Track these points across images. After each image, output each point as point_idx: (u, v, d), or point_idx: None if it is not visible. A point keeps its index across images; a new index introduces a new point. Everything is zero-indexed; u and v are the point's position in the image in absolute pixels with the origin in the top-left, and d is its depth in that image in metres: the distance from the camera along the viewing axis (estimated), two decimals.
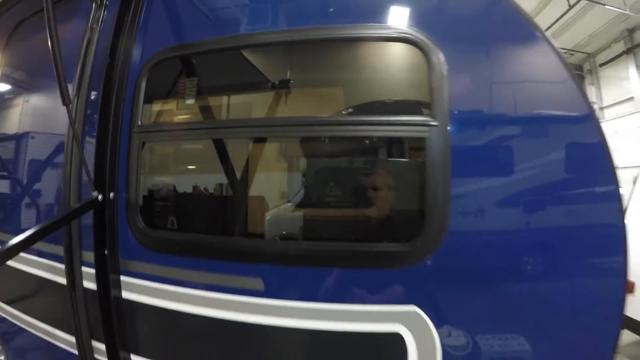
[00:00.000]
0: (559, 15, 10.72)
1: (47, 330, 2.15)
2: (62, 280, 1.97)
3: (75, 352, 1.98)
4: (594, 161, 1.58)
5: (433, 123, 1.53)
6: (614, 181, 1.56)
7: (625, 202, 4.61)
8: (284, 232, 2.00)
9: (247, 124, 1.95)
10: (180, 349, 1.80)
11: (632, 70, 12.13)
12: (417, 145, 1.66)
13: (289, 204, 2.20)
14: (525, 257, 1.56)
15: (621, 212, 1.56)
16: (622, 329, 3.90)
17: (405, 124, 1.62)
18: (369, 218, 1.80)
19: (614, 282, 1.57)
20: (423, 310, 1.51)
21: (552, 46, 1.63)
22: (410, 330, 1.52)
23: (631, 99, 12.23)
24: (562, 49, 12.28)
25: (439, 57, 1.58)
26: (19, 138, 2.44)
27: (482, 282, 1.56)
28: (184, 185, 2.43)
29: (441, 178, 1.51)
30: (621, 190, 1.59)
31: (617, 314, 1.58)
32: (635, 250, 4.04)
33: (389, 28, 1.69)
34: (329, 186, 1.92)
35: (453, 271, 1.55)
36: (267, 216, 2.20)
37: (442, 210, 1.50)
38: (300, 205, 2.10)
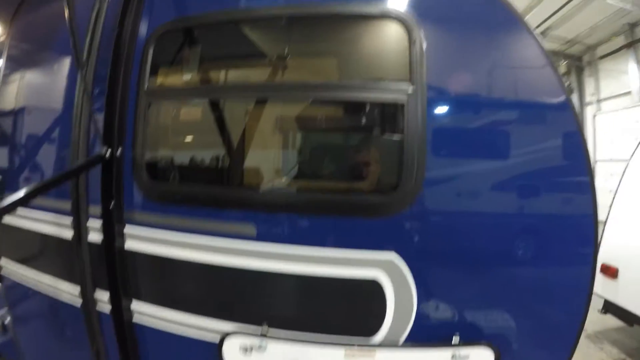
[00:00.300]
0: (561, 4, 10.86)
1: (52, 284, 2.37)
2: (68, 234, 2.19)
3: (78, 304, 2.22)
4: (568, 150, 1.76)
5: (411, 91, 1.75)
6: (587, 172, 1.75)
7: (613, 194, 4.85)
8: (277, 183, 2.24)
9: (238, 88, 2.19)
10: (178, 293, 2.05)
11: (632, 64, 12.33)
12: (395, 110, 1.88)
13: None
14: (494, 228, 1.80)
15: (593, 203, 1.74)
16: (601, 312, 4.10)
17: (387, 90, 1.84)
18: (354, 173, 2.04)
19: (582, 269, 1.79)
20: (401, 257, 1.75)
21: (532, 32, 1.81)
22: (388, 276, 1.76)
23: (629, 93, 12.46)
24: (563, 39, 12.42)
25: (420, 34, 1.79)
26: (32, 103, 2.64)
27: (454, 235, 1.80)
28: (186, 142, 2.66)
29: (418, 138, 1.73)
30: (595, 181, 1.75)
31: (583, 298, 1.80)
32: (620, 238, 4.31)
33: (375, 6, 1.90)
34: (317, 141, 2.16)
35: (428, 223, 1.79)
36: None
37: (419, 167, 1.73)
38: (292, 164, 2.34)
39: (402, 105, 1.75)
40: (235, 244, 1.88)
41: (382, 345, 1.80)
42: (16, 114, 2.69)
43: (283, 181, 2.20)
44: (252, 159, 2.52)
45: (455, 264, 1.82)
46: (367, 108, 2.03)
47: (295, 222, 1.88)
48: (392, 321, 1.79)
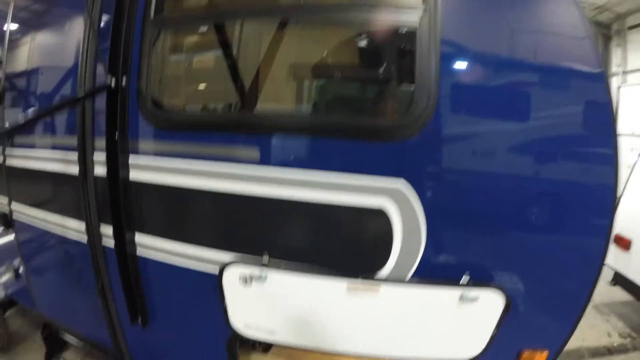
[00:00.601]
0: None
1: (61, 222, 2.41)
2: (75, 170, 2.19)
3: (84, 239, 2.24)
4: (597, 122, 1.67)
5: (423, 11, 1.65)
6: (612, 145, 1.66)
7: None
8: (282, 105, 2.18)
9: (246, 11, 2.09)
10: (180, 223, 2.04)
11: None
12: (407, 32, 1.76)
13: None
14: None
15: (615, 176, 1.66)
16: (611, 284, 4.05)
17: (399, 10, 1.74)
18: (363, 93, 1.97)
19: (596, 239, 1.73)
20: (410, 186, 1.68)
21: None
22: (396, 205, 1.70)
23: None
24: (592, 4, 11.87)
25: None
26: (40, 37, 2.62)
27: (467, 167, 1.72)
28: (191, 69, 2.61)
29: (430, 60, 1.64)
30: (620, 155, 1.66)
31: (595, 268, 1.76)
32: (636, 210, 4.19)
33: None
34: (326, 61, 2.08)
35: (440, 151, 1.71)
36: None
37: (431, 89, 1.63)
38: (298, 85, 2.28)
39: (415, 26, 1.66)
40: (238, 169, 1.84)
41: (387, 280, 1.77)
42: (30, 42, 2.67)
43: (288, 103, 2.14)
44: (258, 82, 2.44)
45: (468, 199, 1.75)
46: (379, 29, 1.92)
47: (300, 145, 1.83)
48: (399, 255, 1.74)
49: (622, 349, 3.75)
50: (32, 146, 2.48)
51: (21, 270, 2.96)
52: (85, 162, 2.14)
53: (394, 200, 1.70)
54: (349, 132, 1.77)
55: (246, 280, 1.82)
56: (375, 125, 1.79)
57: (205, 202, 1.95)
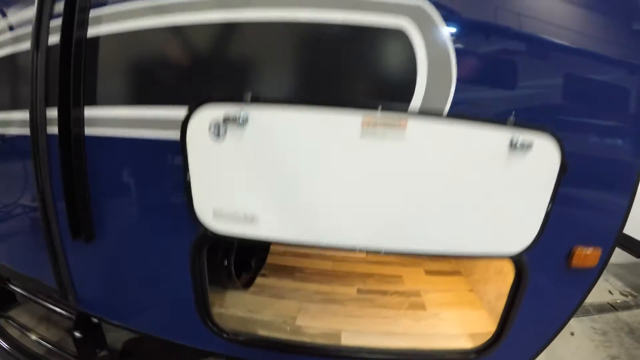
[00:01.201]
0: None
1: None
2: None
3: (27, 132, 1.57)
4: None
5: None
6: None
7: None
8: None
9: None
10: (139, 77, 1.40)
11: None
12: None
13: None
14: None
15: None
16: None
17: None
18: None
19: (613, 217, 1.44)
20: (432, 4, 1.14)
21: None
22: (417, 25, 1.14)
23: None
24: None
25: None
26: None
27: None
28: None
29: None
30: None
31: (610, 241, 1.49)
32: None
33: None
34: None
35: None
36: None
37: None
38: None
39: None
40: None
41: (417, 113, 1.19)
42: None
43: None
44: None
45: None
46: None
47: None
48: (427, 85, 1.17)
49: (625, 306, 3.37)
50: None
51: None
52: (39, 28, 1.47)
53: (414, 19, 1.14)
54: None
55: (219, 129, 1.19)
56: None
57: (172, 39, 1.31)
